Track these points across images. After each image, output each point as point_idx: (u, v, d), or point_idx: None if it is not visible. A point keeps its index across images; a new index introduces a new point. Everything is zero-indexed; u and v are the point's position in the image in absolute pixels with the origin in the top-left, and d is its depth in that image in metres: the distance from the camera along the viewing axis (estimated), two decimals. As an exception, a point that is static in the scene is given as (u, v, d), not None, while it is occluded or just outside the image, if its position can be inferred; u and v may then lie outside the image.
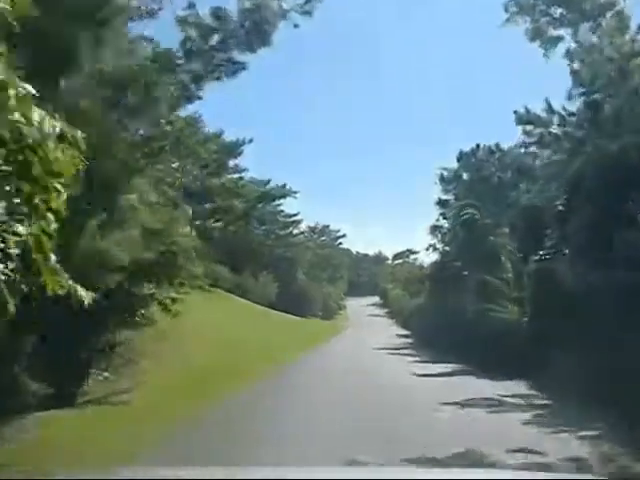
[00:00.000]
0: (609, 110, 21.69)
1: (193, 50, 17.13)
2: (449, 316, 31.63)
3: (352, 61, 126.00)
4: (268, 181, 55.26)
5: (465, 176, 41.86)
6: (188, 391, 14.89)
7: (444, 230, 42.59)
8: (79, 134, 4.58)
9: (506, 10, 23.35)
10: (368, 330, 54.78)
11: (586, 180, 17.38)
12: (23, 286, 5.10)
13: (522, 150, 36.08)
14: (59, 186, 4.41)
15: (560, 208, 19.23)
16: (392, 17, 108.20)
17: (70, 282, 5.43)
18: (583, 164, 18.63)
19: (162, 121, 17.55)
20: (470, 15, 79.72)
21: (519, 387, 17.12)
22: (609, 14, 22.61)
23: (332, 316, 75.83)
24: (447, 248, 41.15)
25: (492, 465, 7.90)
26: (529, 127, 27.58)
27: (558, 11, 23.27)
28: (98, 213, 12.19)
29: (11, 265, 4.79)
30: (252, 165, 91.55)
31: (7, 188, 4.42)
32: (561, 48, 23.85)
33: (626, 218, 16.21)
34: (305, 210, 74.28)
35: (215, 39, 17.23)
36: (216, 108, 43.17)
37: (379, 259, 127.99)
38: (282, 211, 64.45)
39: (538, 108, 27.02)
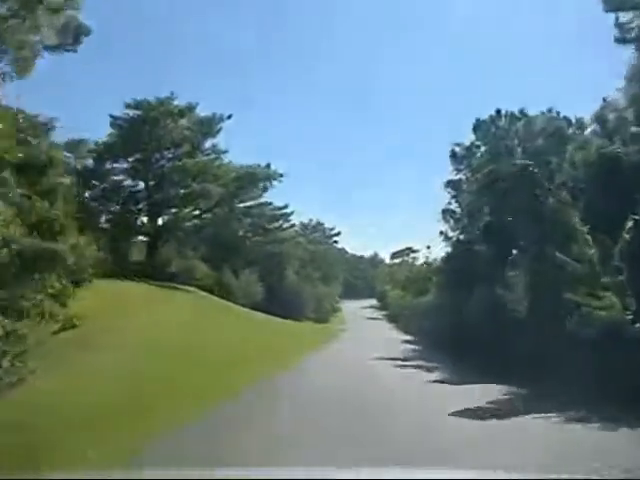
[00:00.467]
0: None
1: None
2: (473, 315, 24.91)
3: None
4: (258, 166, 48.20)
5: (482, 149, 35.20)
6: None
7: (457, 216, 35.91)
8: None
9: None
10: (367, 334, 48.59)
11: None
12: None
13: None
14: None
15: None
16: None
17: None
18: None
19: None
20: None
21: None
22: None
23: (326, 319, 68.81)
24: (461, 237, 34.57)
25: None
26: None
27: None
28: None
29: None
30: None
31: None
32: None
33: None
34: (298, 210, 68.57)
35: None
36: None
37: (375, 261, 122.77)
38: (270, 203, 57.42)
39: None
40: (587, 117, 30.28)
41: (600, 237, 16.60)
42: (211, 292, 42.52)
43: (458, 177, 36.67)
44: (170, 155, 42.22)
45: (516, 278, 19.28)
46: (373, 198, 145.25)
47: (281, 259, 59.28)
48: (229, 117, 44.07)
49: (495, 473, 4.16)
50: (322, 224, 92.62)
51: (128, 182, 43.34)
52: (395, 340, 42.78)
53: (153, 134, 41.01)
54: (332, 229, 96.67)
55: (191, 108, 41.83)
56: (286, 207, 58.74)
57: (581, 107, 64.90)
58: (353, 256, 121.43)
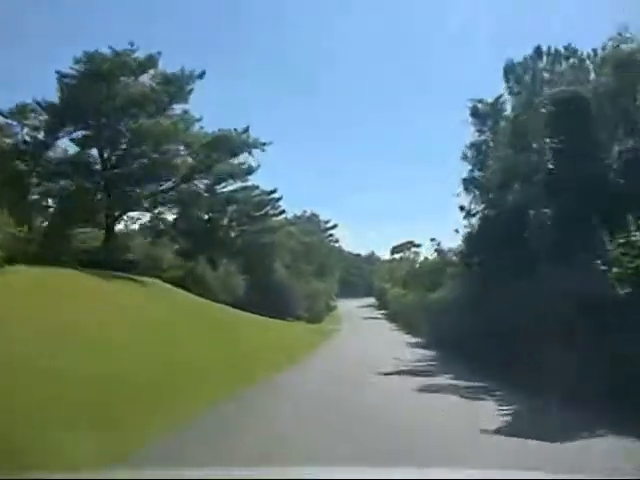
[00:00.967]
0: None
1: None
2: (523, 311, 17.64)
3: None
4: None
5: (512, 102, 27.80)
6: None
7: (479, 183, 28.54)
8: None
9: None
10: (366, 336, 42.06)
11: None
12: None
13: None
14: None
15: None
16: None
17: None
18: None
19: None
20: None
21: None
22: None
23: (320, 318, 61.37)
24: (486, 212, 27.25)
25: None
26: None
27: None
28: None
29: None
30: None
31: None
32: None
33: None
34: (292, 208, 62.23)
35: None
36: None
37: (372, 259, 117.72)
38: (257, 187, 49.75)
39: None
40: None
41: None
42: (182, 286, 35.15)
43: (482, 138, 29.34)
44: (128, 119, 34.67)
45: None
46: (373, 199, 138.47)
47: (270, 250, 51.77)
48: (201, 76, 36.53)
49: (495, 473, 4.06)
50: (317, 215, 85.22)
51: (86, 154, 36.06)
52: (401, 344, 35.86)
53: (108, 93, 33.58)
54: (327, 222, 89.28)
55: (153, 60, 34.34)
56: (274, 192, 51.21)
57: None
58: (350, 254, 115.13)
